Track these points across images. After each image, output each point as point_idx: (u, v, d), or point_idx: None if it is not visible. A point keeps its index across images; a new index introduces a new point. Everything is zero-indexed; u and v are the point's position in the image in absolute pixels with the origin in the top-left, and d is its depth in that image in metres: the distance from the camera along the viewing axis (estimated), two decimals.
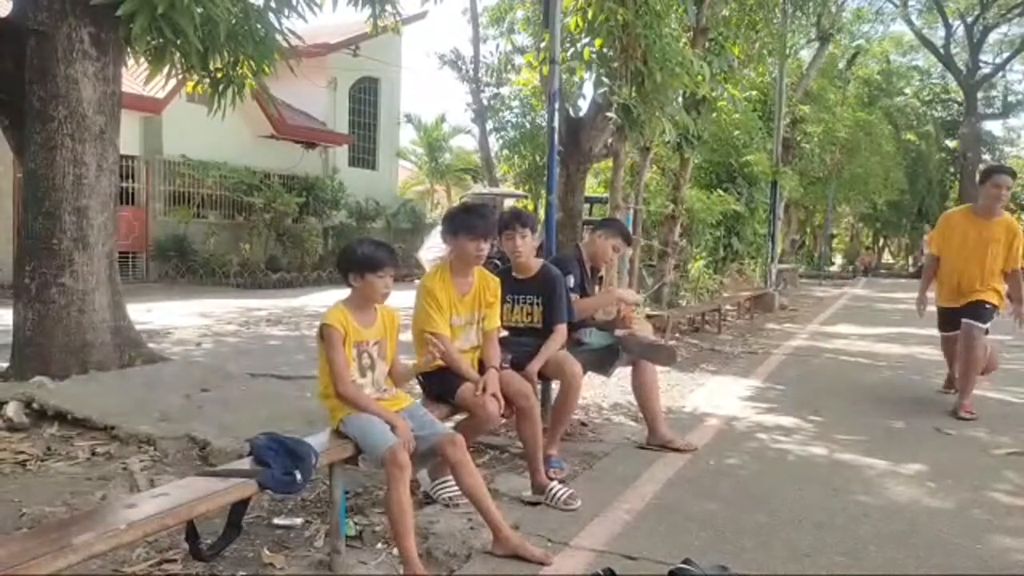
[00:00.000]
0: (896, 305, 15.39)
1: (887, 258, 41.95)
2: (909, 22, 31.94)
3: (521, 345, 3.87)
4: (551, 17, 5.59)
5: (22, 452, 3.77)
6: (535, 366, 3.73)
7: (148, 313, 9.40)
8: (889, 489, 3.75)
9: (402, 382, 3.20)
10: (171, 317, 9.32)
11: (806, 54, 20.70)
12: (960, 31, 31.91)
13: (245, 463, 2.59)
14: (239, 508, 2.51)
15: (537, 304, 3.96)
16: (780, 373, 7.07)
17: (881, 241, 41.20)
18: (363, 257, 2.86)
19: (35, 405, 4.22)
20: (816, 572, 2.81)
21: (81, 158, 4.96)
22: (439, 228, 5.67)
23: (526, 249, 3.89)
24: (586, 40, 7.32)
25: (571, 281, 4.27)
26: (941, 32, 32.30)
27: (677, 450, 4.24)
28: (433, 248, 12.87)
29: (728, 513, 3.36)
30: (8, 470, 3.59)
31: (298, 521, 3.13)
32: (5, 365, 5.12)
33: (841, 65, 23.92)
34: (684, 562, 2.68)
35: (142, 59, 5.54)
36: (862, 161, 22.34)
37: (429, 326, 3.29)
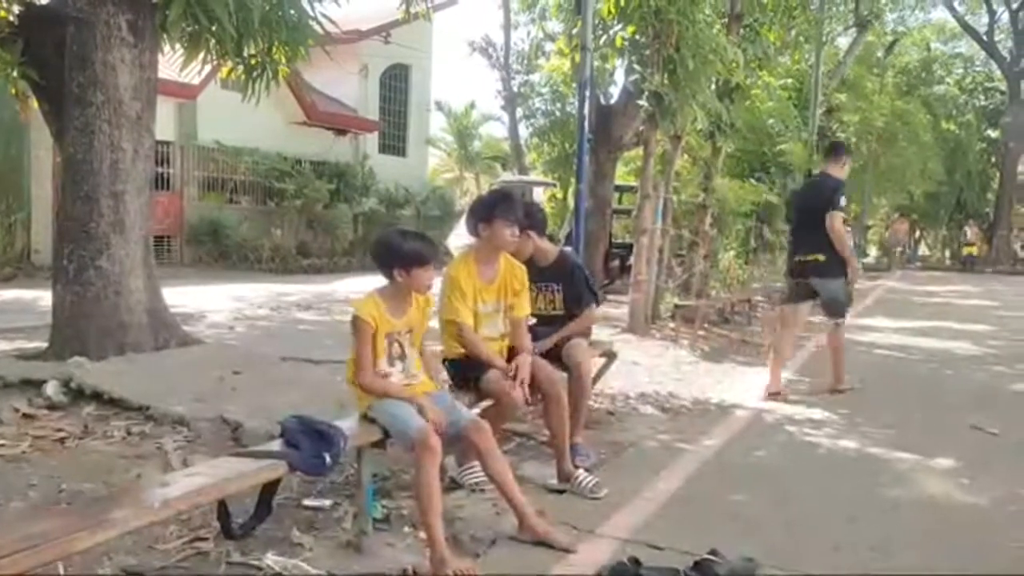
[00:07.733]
0: (931, 299, 15.09)
1: (923, 250, 41.13)
2: (951, 8, 31.14)
3: (548, 335, 3.87)
4: (583, 3, 5.54)
5: (61, 430, 3.86)
6: (546, 344, 3.72)
7: (182, 296, 9.53)
8: (920, 483, 3.69)
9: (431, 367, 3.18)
10: (204, 300, 9.45)
11: (843, 41, 20.28)
12: (1004, 17, 31.02)
13: (276, 445, 2.62)
14: (270, 488, 2.56)
15: (558, 290, 3.95)
16: (811, 365, 6.98)
17: (918, 233, 40.34)
18: (412, 252, 2.83)
19: (73, 384, 4.31)
20: (846, 566, 2.78)
21: (118, 143, 5.03)
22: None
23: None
24: (618, 27, 7.24)
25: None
26: (984, 19, 31.44)
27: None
28: (462, 235, 12.91)
29: (756, 505, 3.33)
30: (48, 447, 3.69)
31: (327, 503, 3.17)
32: (45, 345, 5.24)
33: (879, 53, 23.38)
34: (710, 553, 2.67)
35: (177, 46, 5.60)
36: (899, 151, 21.87)
37: (453, 316, 3.30)
